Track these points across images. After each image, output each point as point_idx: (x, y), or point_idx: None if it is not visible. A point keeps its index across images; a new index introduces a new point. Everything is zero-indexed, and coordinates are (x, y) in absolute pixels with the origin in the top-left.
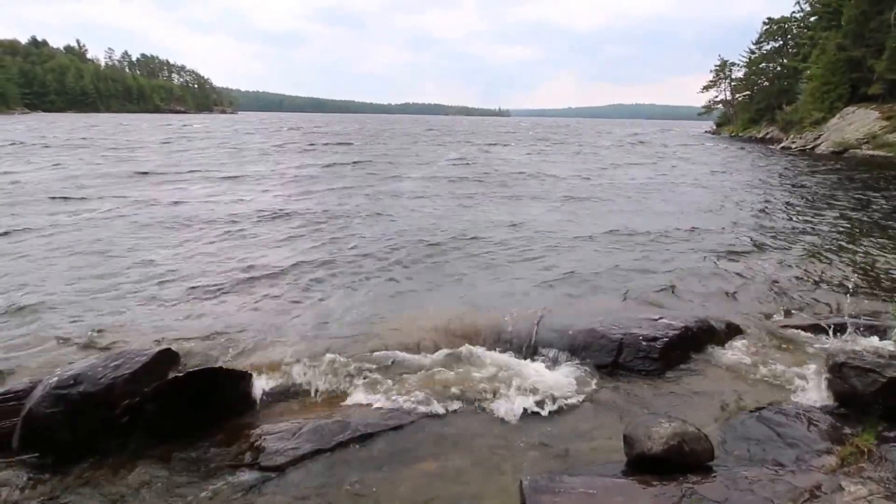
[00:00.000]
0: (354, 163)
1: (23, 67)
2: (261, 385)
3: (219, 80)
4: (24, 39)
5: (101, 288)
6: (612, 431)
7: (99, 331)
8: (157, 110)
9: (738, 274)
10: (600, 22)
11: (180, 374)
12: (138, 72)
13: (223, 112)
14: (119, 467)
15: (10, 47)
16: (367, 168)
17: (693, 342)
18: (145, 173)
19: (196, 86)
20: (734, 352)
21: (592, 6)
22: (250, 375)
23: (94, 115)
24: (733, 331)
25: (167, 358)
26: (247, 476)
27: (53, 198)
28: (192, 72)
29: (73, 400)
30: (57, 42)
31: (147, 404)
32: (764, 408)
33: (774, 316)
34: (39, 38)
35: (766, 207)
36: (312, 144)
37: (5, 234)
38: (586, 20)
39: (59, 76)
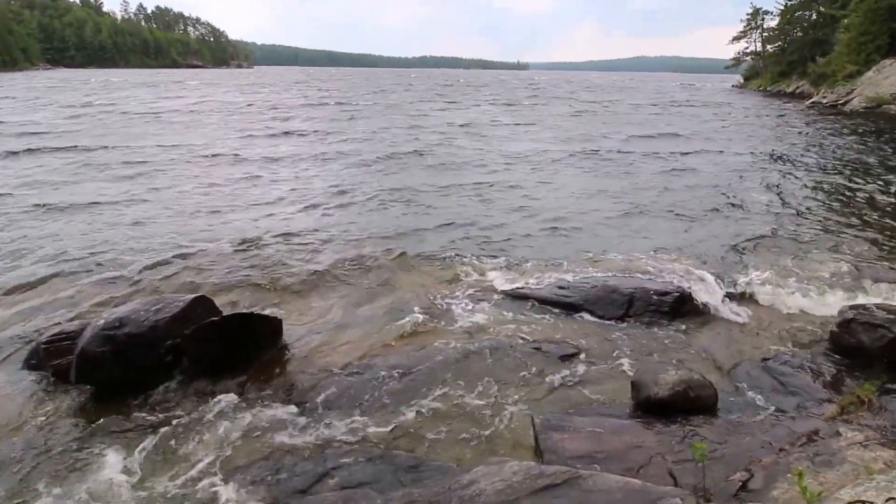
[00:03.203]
0: None
1: (41, 22)
2: (291, 329)
3: (235, 33)
4: None
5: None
6: (620, 378)
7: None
8: (174, 65)
9: (752, 231)
10: None
11: (217, 318)
12: (154, 25)
13: (239, 66)
14: (162, 400)
15: (27, 1)
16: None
17: (704, 296)
18: None
19: (212, 39)
20: (745, 306)
21: None
22: (280, 320)
23: (134, 71)
24: (745, 285)
25: (204, 303)
26: (278, 412)
27: None
28: (207, 24)
29: (119, 340)
30: None
31: (188, 344)
32: (769, 359)
33: (787, 272)
34: None
35: (785, 167)
36: None
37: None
38: None
39: (78, 30)
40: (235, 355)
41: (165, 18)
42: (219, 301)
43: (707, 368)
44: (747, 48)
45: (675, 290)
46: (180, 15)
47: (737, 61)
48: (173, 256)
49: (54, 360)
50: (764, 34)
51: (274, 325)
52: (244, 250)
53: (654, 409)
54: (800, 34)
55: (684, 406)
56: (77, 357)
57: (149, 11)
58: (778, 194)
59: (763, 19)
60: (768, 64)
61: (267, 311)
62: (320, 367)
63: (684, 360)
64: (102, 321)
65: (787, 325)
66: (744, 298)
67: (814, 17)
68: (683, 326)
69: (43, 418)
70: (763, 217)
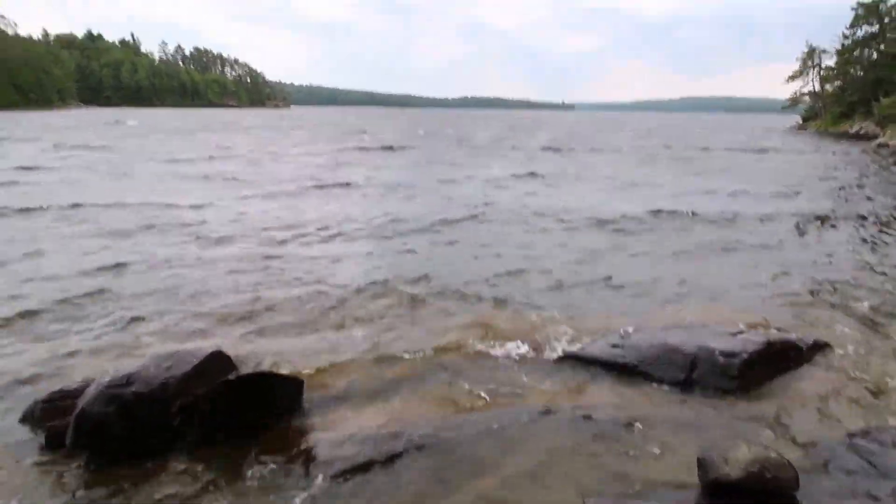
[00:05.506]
0: None
1: (80, 63)
2: (312, 391)
3: (271, 73)
4: (79, 33)
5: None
6: (683, 454)
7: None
8: (210, 105)
9: (829, 284)
10: (671, 7)
11: (233, 378)
12: (192, 66)
13: (276, 107)
14: (170, 468)
15: (67, 42)
16: None
17: (776, 359)
18: None
19: (249, 80)
20: (823, 370)
21: None
22: (301, 381)
23: (174, 110)
24: (822, 347)
25: (219, 359)
26: (297, 484)
27: None
28: (245, 65)
29: (126, 400)
30: (111, 36)
31: (200, 406)
32: (856, 434)
33: (871, 332)
34: (95, 32)
35: (862, 212)
36: None
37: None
38: (656, 5)
39: (114, 71)
40: (252, 418)
41: (203, 59)
42: (236, 356)
43: (783, 445)
44: (804, 87)
45: (744, 350)
46: (218, 56)
47: (794, 102)
48: (185, 305)
49: (51, 420)
50: (822, 73)
51: (294, 386)
52: (261, 298)
53: (724, 492)
54: (860, 73)
55: (760, 489)
56: (76, 418)
57: (187, 53)
58: (873, 247)
59: (820, 58)
60: (827, 104)
61: (287, 370)
62: (344, 437)
63: (756, 433)
64: (108, 378)
65: (873, 393)
66: (824, 361)
67: (874, 55)
68: (754, 394)
69: (22, 493)
70: (851, 271)
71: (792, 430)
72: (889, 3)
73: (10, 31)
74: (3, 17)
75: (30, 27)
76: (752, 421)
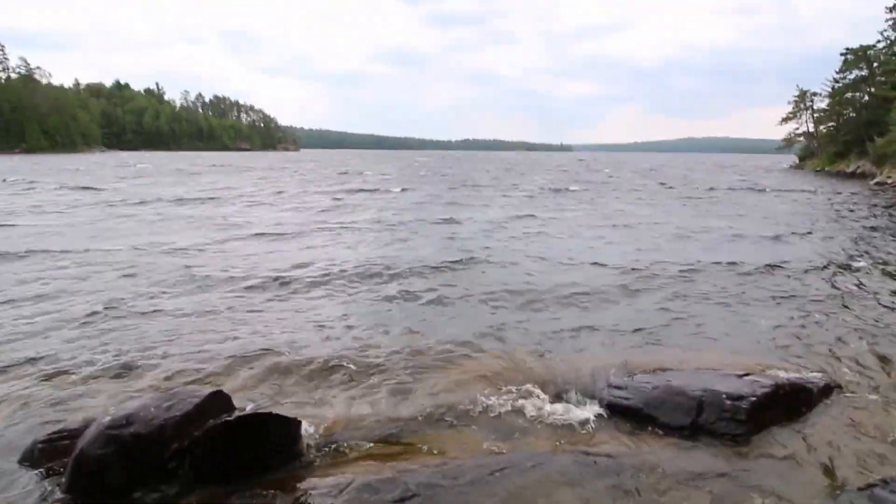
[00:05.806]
0: None
1: (105, 109)
2: (310, 433)
3: (284, 118)
4: (108, 83)
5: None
6: None
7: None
8: (224, 148)
9: (841, 327)
10: (666, 54)
11: (230, 419)
12: (210, 112)
13: (286, 150)
14: None
15: (95, 91)
16: None
17: (786, 402)
18: None
19: (262, 125)
20: (835, 415)
21: (656, 39)
22: (299, 422)
23: (188, 153)
24: (835, 390)
25: (219, 400)
26: None
27: None
28: (260, 111)
29: (124, 441)
30: (138, 85)
31: (196, 448)
32: (876, 485)
33: (884, 375)
34: (122, 82)
35: (874, 253)
36: None
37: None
38: (650, 53)
39: (137, 117)
40: (247, 461)
41: (221, 106)
42: (235, 396)
43: (798, 496)
44: (798, 129)
45: (752, 393)
46: (235, 103)
47: (788, 142)
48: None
49: (48, 462)
50: (815, 115)
51: (291, 427)
52: (260, 342)
53: None
54: (853, 115)
55: None
56: (74, 459)
57: (206, 100)
58: (889, 289)
59: (812, 101)
60: (823, 144)
61: (285, 410)
62: (341, 482)
63: (768, 483)
64: (108, 418)
65: (893, 440)
66: (837, 405)
67: (865, 97)
68: (763, 440)
69: None
70: (865, 313)
71: (806, 479)
72: (877, 48)
73: (43, 81)
74: (39, 68)
75: (64, 77)
76: (762, 469)
